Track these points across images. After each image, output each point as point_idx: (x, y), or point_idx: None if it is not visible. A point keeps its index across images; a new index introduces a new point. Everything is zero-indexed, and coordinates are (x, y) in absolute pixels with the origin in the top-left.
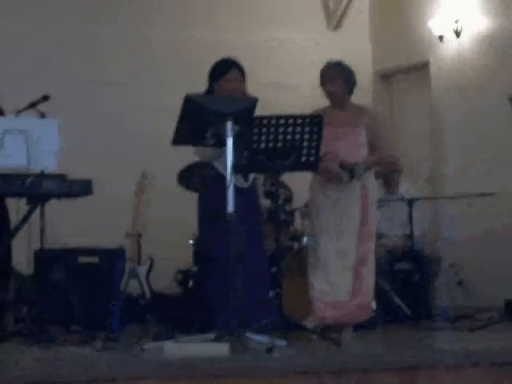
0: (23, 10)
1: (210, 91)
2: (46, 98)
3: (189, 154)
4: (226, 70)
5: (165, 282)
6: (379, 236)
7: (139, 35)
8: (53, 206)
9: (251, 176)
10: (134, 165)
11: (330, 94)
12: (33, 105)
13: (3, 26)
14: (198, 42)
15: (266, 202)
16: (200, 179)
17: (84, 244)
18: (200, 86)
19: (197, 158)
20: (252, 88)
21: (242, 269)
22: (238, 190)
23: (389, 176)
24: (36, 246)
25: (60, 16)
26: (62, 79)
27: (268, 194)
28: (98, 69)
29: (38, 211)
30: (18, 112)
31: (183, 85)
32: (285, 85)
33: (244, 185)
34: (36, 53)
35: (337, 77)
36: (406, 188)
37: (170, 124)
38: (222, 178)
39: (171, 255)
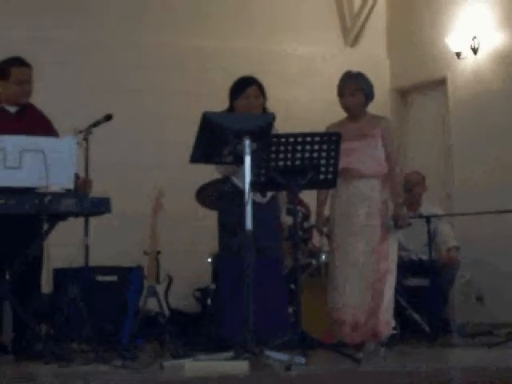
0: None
1: (230, 110)
2: (108, 118)
3: (206, 168)
4: (243, 87)
5: (183, 299)
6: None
7: (149, 42)
8: (71, 224)
9: (269, 192)
10: (151, 177)
11: (348, 107)
12: (95, 124)
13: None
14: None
15: (288, 219)
16: (217, 195)
17: (102, 262)
18: (214, 96)
19: (216, 176)
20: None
21: (260, 285)
22: (256, 205)
23: (411, 194)
24: (55, 264)
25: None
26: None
27: (287, 211)
28: (112, 76)
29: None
30: (80, 132)
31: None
32: (298, 99)
33: (262, 200)
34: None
35: (357, 90)
36: (427, 207)
37: (182, 133)
38: (241, 193)
39: (189, 273)
